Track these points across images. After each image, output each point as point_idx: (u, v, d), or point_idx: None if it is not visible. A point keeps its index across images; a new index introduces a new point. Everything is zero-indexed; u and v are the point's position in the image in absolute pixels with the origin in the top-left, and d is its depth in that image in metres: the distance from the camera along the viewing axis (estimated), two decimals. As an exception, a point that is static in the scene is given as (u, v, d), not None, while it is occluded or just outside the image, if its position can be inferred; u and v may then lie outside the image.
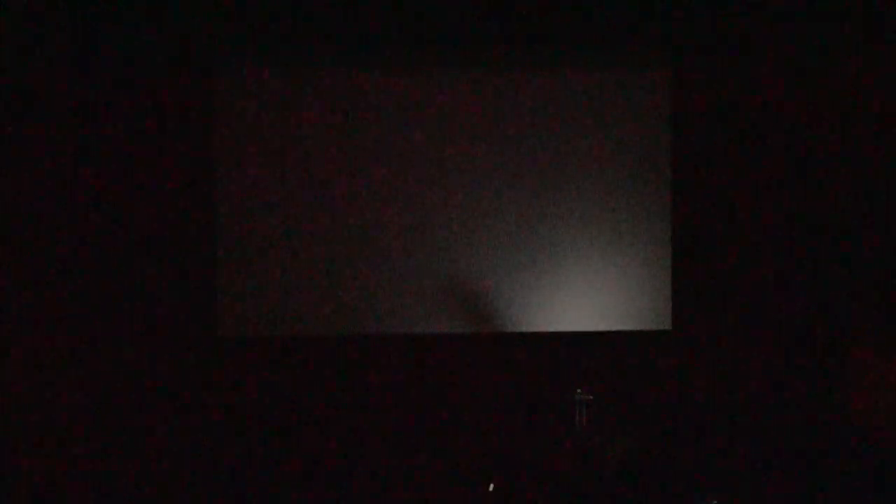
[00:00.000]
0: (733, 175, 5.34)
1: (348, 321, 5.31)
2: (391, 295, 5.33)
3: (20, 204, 5.04)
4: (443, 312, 5.35)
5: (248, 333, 5.26)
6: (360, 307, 5.32)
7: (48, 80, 5.07)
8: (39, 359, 5.04)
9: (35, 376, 5.03)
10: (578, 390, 4.76)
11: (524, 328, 5.36)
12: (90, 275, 5.13)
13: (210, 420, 5.19)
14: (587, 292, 5.37)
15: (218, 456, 5.19)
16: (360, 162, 5.32)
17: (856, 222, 5.29)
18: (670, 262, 5.40)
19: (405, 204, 5.34)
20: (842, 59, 5.29)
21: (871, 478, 5.07)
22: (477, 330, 5.34)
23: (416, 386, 5.29)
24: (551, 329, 5.35)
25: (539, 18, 5.27)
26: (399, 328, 5.33)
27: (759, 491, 5.24)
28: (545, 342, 5.34)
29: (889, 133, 5.27)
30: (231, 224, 5.27)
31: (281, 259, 5.28)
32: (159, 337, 5.16)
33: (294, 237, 5.29)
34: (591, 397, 4.76)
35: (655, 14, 5.30)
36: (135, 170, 5.16)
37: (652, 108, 5.41)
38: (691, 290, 5.36)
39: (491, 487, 5.05)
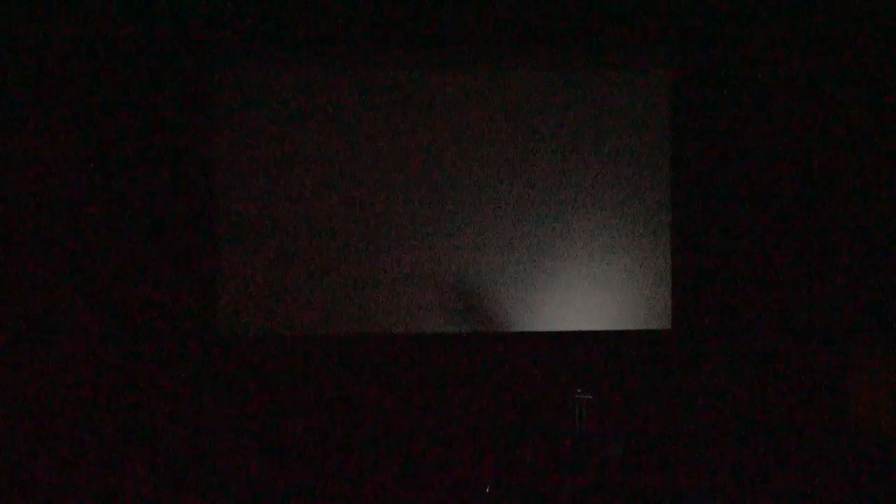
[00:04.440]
0: (733, 175, 5.34)
1: (348, 321, 5.31)
2: (391, 295, 5.33)
3: (21, 203, 5.06)
4: (443, 312, 5.35)
5: (248, 333, 5.27)
6: (359, 307, 5.32)
7: (48, 79, 5.08)
8: (39, 357, 5.05)
9: (35, 375, 5.04)
10: (578, 390, 4.77)
11: (524, 328, 5.35)
12: (90, 274, 5.13)
13: (209, 419, 5.19)
14: (587, 292, 5.37)
15: (217, 454, 5.19)
16: (361, 161, 5.32)
17: (855, 222, 5.29)
18: (670, 262, 5.40)
19: (405, 204, 5.34)
20: (842, 60, 5.29)
21: (871, 477, 5.06)
22: (477, 330, 5.34)
23: (416, 386, 5.29)
24: (551, 329, 5.35)
25: (540, 18, 5.28)
26: (399, 328, 5.33)
27: (759, 491, 5.23)
28: (545, 342, 5.33)
29: (889, 134, 5.27)
30: (231, 223, 5.27)
31: (281, 258, 5.28)
32: (159, 335, 5.16)
33: (294, 237, 5.29)
34: (591, 397, 4.76)
35: (655, 14, 5.31)
36: (135, 169, 5.17)
37: (652, 108, 5.41)
38: (691, 290, 5.36)
39: (487, 489, 5.05)
